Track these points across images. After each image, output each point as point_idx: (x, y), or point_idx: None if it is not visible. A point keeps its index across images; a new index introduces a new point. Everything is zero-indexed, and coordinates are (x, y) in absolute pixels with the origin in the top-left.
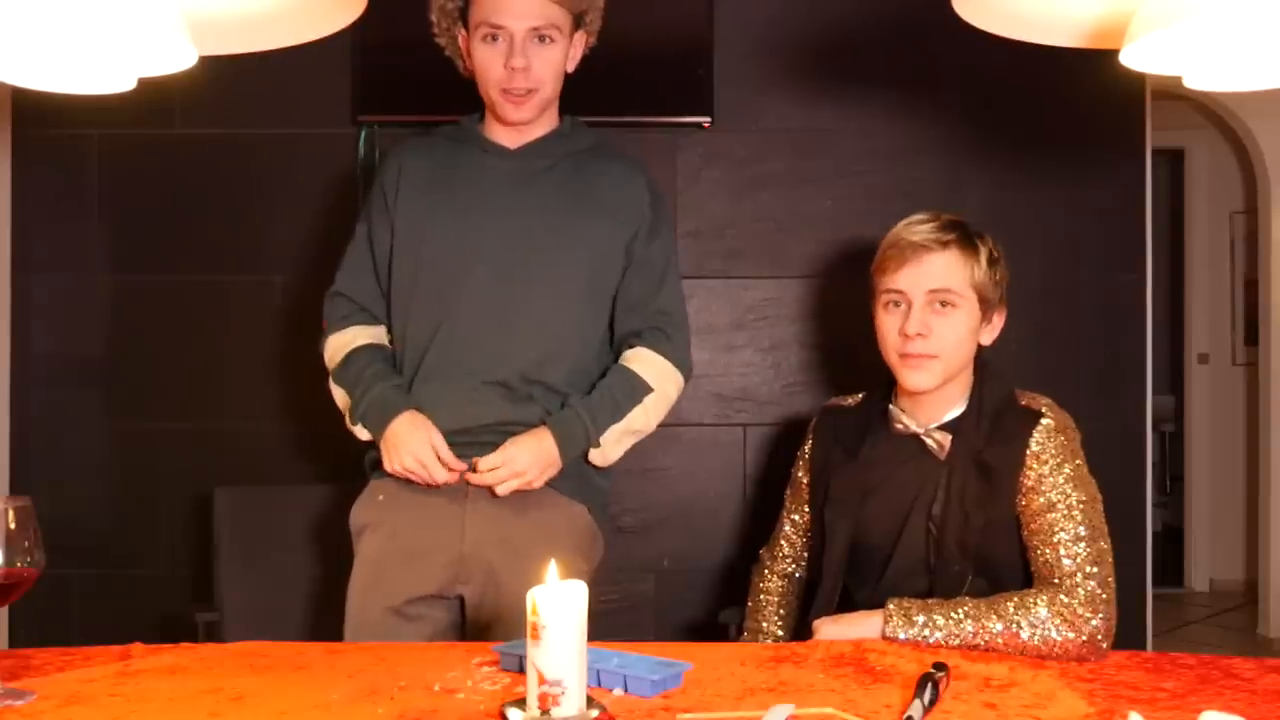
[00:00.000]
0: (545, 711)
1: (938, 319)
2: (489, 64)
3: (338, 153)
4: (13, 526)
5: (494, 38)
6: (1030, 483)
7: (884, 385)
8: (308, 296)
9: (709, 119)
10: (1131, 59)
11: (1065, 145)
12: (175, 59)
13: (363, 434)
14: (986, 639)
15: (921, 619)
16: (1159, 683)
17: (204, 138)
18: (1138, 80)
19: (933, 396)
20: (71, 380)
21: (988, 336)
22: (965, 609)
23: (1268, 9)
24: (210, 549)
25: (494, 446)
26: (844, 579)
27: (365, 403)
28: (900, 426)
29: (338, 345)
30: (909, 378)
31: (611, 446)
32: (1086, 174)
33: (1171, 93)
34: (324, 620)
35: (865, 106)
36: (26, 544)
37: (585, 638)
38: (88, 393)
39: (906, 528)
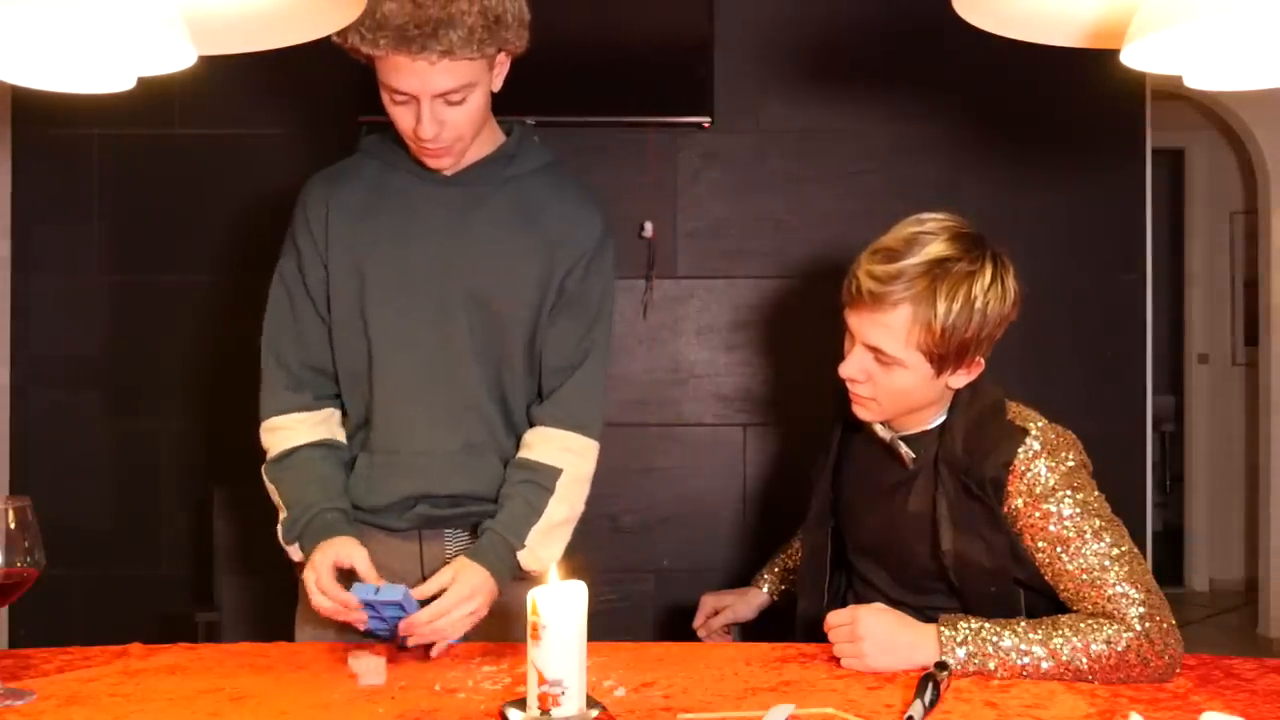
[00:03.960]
0: (545, 711)
1: (878, 368)
2: (399, 121)
3: (338, 153)
4: (13, 526)
5: (399, 100)
6: (1024, 509)
7: None
8: None
9: (709, 119)
10: (1131, 59)
11: (1065, 145)
12: (175, 59)
13: (295, 554)
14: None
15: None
16: (1158, 682)
17: (204, 138)
18: (1138, 80)
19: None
20: (71, 380)
21: (959, 381)
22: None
23: (1268, 9)
24: (210, 549)
25: (470, 514)
26: (847, 569)
27: (303, 531)
28: (876, 429)
29: (273, 434)
30: (854, 409)
31: (541, 548)
32: (1086, 174)
33: (1171, 93)
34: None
35: (865, 106)
36: (26, 544)
37: (585, 638)
38: (88, 393)
39: (910, 548)
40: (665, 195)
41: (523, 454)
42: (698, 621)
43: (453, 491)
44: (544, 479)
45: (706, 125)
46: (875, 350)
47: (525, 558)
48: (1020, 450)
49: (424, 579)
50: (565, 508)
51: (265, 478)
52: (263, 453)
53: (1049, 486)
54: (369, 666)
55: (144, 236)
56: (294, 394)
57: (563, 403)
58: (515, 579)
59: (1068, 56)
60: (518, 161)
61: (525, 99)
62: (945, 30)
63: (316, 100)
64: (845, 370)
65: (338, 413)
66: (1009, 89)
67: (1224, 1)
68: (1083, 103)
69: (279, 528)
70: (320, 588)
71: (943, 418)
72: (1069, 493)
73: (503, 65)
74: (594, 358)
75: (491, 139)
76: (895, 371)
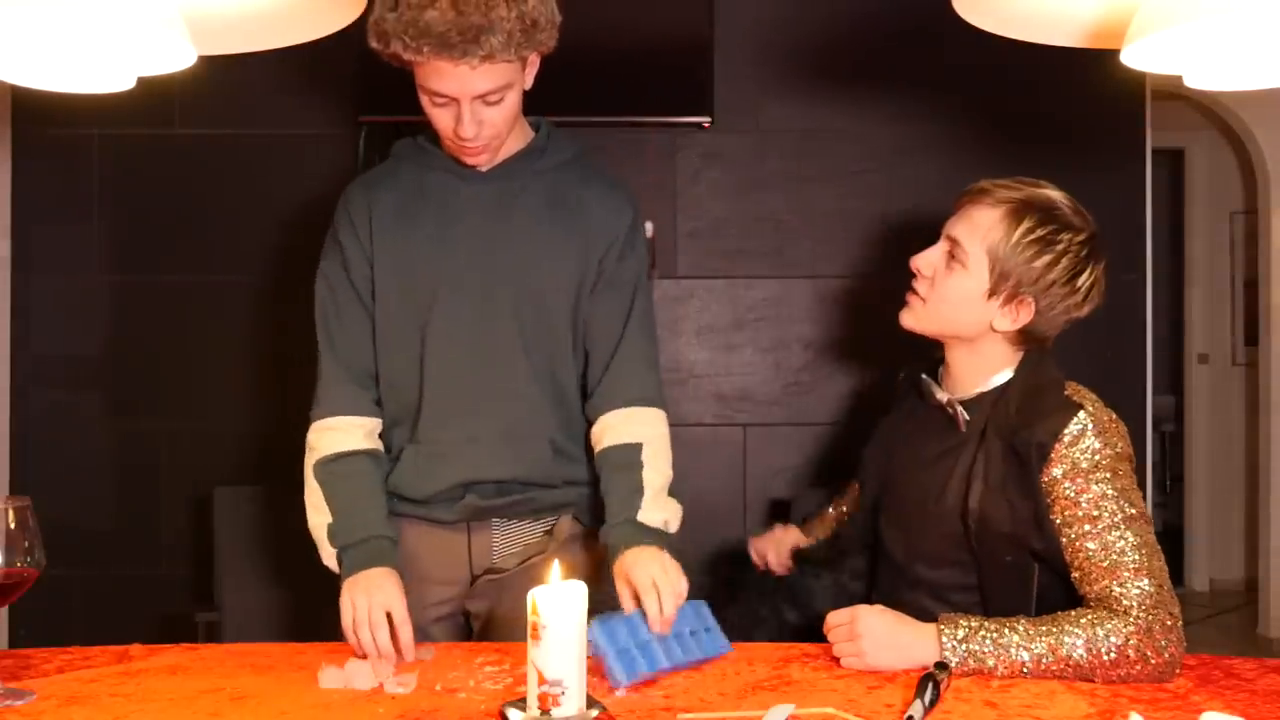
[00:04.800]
0: (545, 711)
1: (943, 266)
2: (437, 122)
3: (338, 153)
4: (13, 526)
5: (439, 102)
6: (1060, 479)
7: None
8: (307, 297)
9: (709, 119)
10: (1132, 59)
11: (1065, 145)
12: (175, 59)
13: (331, 561)
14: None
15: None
16: (1158, 681)
17: (204, 138)
18: (1138, 80)
19: (962, 368)
20: (71, 380)
21: (1003, 322)
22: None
23: (1268, 9)
24: (210, 549)
25: (516, 503)
26: (878, 546)
27: (351, 546)
28: (932, 394)
29: (326, 434)
30: (901, 314)
31: (665, 511)
32: (1086, 174)
33: (1171, 93)
34: (324, 620)
35: (865, 106)
36: (26, 544)
37: (585, 638)
38: (88, 393)
39: (937, 507)
40: (665, 195)
41: (600, 448)
42: (771, 559)
43: (499, 477)
44: (629, 456)
45: (706, 125)
46: (952, 242)
47: (645, 516)
48: (1072, 423)
49: (471, 570)
50: (658, 475)
51: (311, 475)
52: (302, 448)
53: (1092, 463)
54: (357, 670)
55: (144, 236)
56: (352, 396)
57: (614, 386)
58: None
59: (1068, 56)
60: (548, 155)
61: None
62: (945, 30)
63: (316, 101)
64: (916, 259)
65: (380, 424)
66: (1009, 89)
67: (1224, 1)
68: (1083, 103)
69: (322, 531)
70: (380, 647)
71: (1001, 379)
72: (1108, 475)
73: (534, 64)
74: (633, 332)
75: (522, 135)
76: (956, 274)
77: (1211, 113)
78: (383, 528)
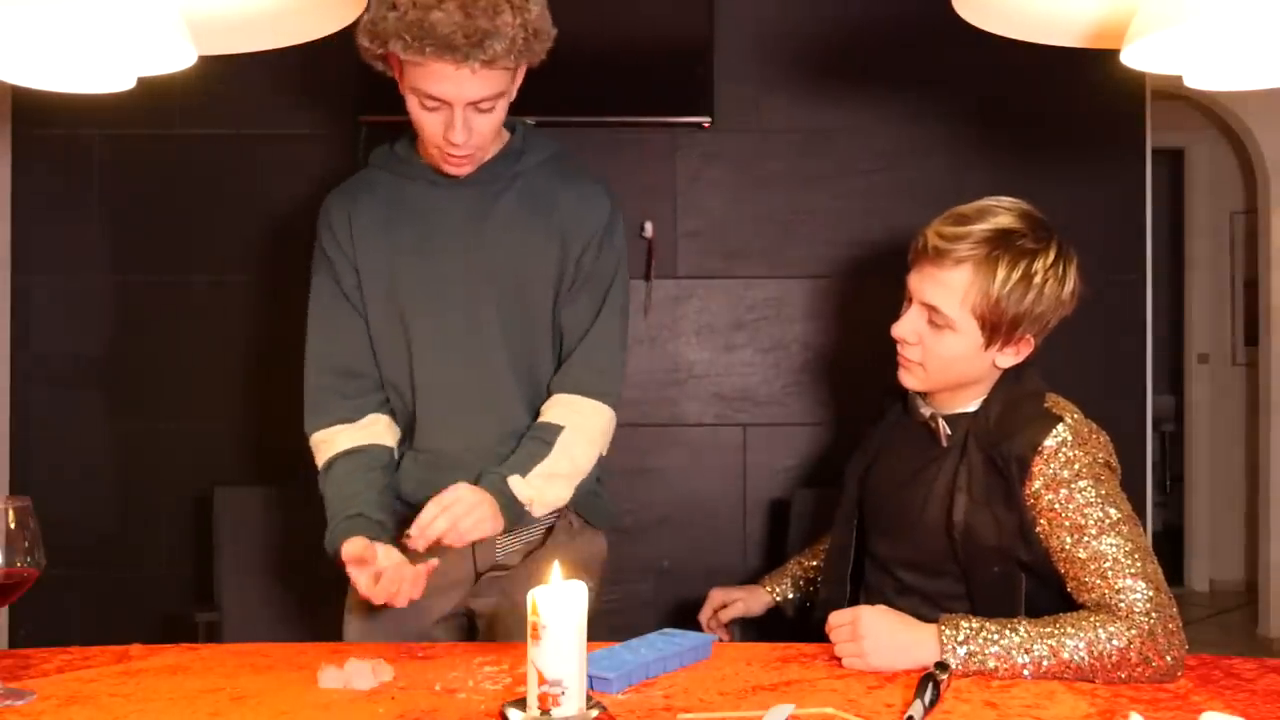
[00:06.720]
0: (545, 711)
1: (930, 331)
2: (426, 127)
3: (338, 153)
4: (13, 526)
5: (431, 106)
6: (1043, 491)
7: None
8: (307, 297)
9: (709, 119)
10: (1132, 59)
11: (1065, 145)
12: (175, 59)
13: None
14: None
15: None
16: (1159, 683)
17: (204, 138)
18: (1138, 80)
19: (951, 392)
20: (71, 380)
21: (1006, 360)
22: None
23: (1268, 9)
24: (210, 549)
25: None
26: (861, 552)
27: (330, 537)
28: (918, 409)
29: (317, 448)
30: (899, 373)
31: (538, 485)
32: (1086, 174)
33: (1171, 93)
34: (324, 620)
35: (866, 106)
36: (26, 544)
37: (585, 638)
38: (88, 393)
39: (922, 520)
40: (665, 195)
41: (539, 420)
42: (704, 614)
43: None
44: (545, 434)
45: (706, 125)
46: (930, 309)
47: (518, 485)
48: (1051, 435)
49: (475, 568)
50: (566, 461)
51: (320, 484)
52: (302, 448)
53: (1074, 472)
54: (357, 670)
55: (144, 236)
56: (335, 409)
57: (568, 370)
58: (514, 520)
59: (1068, 56)
60: (525, 157)
61: (525, 99)
62: (945, 30)
63: (316, 101)
64: (898, 330)
65: (383, 417)
66: (1009, 89)
67: (1224, 1)
68: (1083, 103)
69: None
70: (367, 592)
71: (983, 399)
72: (1091, 482)
73: (521, 74)
74: (602, 323)
75: (499, 139)
76: (946, 336)
77: (1211, 113)
78: (348, 509)
